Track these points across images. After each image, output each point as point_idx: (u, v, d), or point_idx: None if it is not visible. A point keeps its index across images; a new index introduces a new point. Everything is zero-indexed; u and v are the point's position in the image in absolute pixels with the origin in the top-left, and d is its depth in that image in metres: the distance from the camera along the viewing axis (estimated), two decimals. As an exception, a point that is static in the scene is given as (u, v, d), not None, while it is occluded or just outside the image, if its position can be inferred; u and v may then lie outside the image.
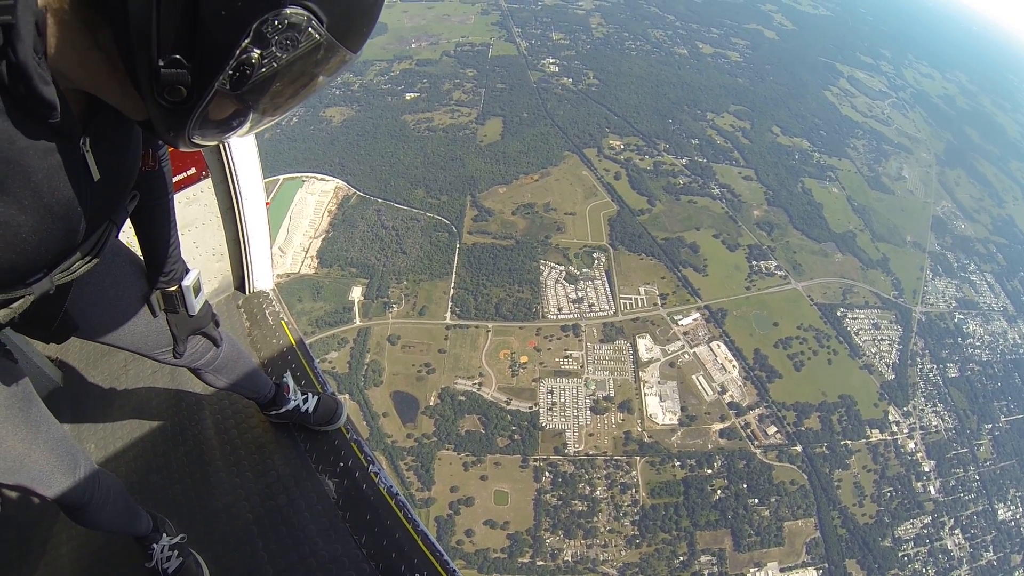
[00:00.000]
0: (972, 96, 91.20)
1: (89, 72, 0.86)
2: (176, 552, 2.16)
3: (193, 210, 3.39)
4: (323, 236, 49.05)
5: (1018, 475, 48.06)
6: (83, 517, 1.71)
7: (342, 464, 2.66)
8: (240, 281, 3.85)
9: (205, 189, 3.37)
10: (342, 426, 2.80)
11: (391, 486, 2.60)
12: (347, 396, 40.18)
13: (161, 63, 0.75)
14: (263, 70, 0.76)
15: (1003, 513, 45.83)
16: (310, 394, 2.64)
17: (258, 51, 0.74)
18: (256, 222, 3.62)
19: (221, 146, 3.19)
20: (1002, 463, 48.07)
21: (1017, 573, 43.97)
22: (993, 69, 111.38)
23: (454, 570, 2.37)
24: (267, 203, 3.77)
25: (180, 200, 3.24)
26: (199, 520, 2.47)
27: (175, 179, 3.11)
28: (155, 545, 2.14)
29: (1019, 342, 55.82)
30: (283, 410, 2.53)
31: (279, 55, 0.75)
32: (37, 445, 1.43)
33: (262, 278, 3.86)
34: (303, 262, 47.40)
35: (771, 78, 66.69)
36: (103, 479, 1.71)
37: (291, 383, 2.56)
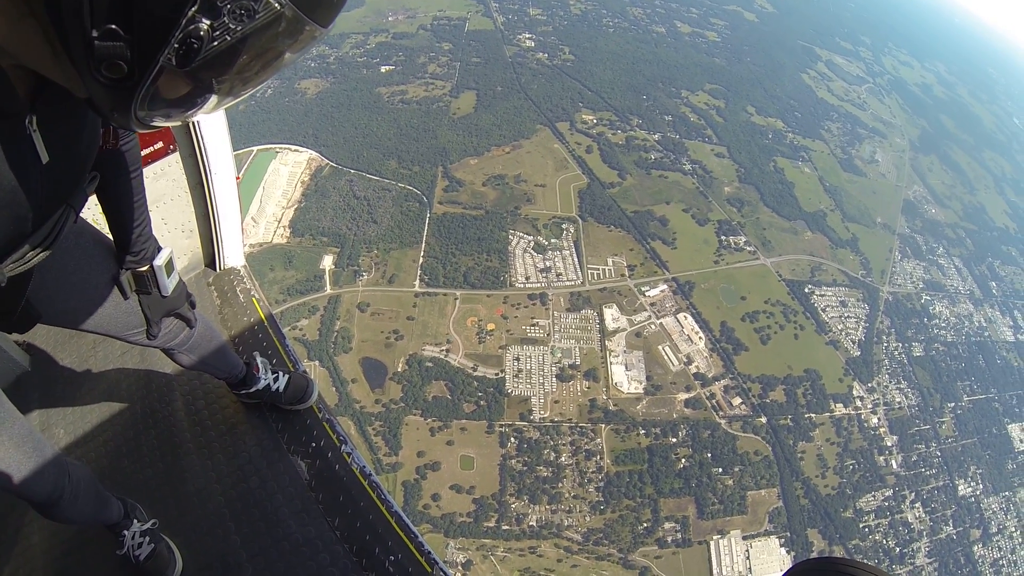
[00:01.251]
0: (949, 86, 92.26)
1: (24, 44, 0.75)
2: (148, 538, 2.09)
3: (161, 185, 3.26)
4: (296, 206, 48.86)
5: (979, 453, 49.28)
6: (54, 513, 1.62)
7: (314, 444, 2.62)
8: (210, 258, 3.73)
9: (173, 163, 3.25)
10: (313, 405, 2.74)
11: (364, 466, 2.56)
12: (317, 363, 40.18)
13: (95, 34, 0.64)
14: (215, 44, 0.66)
15: (963, 489, 46.98)
16: (280, 373, 2.61)
17: (207, 22, 0.64)
18: (226, 197, 3.50)
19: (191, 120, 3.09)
20: (963, 441, 49.21)
21: (976, 547, 45.30)
22: (972, 61, 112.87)
23: (429, 551, 2.35)
24: (237, 177, 3.64)
25: (147, 175, 3.07)
26: (171, 504, 2.42)
27: (142, 153, 3.09)
28: (126, 532, 2.06)
29: (984, 325, 57.07)
30: (253, 389, 2.49)
31: (233, 27, 0.65)
32: (1, 442, 1.34)
33: (233, 254, 3.75)
34: (275, 232, 47.21)
35: (748, 59, 66.83)
36: (73, 472, 1.62)
37: (261, 362, 2.55)
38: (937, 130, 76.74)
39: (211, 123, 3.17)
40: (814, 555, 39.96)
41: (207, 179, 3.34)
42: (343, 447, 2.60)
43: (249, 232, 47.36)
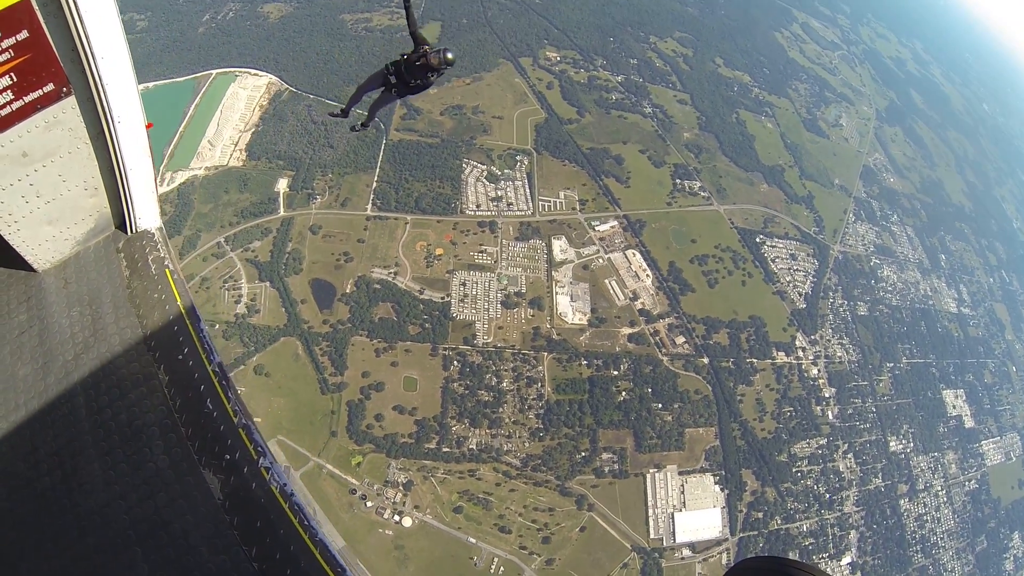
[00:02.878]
0: (924, 64, 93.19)
1: None
2: None
3: (55, 136, 2.80)
4: (253, 130, 48.00)
5: (913, 413, 51.13)
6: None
7: (228, 456, 2.37)
8: (120, 219, 3.29)
9: (68, 110, 2.81)
10: (229, 408, 2.49)
11: (285, 484, 2.34)
12: (267, 284, 40.15)
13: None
14: None
15: (894, 445, 48.91)
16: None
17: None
18: (135, 147, 3.08)
19: (84, 55, 2.58)
20: (899, 400, 51.07)
21: (903, 501, 47.58)
22: (951, 44, 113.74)
23: None
24: (148, 124, 3.24)
25: (38, 124, 2.68)
26: (70, 522, 2.15)
27: (27, 99, 2.56)
28: None
29: (929, 294, 59.01)
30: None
31: None
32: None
33: (146, 214, 3.32)
34: (232, 155, 46.44)
35: (722, 12, 66.66)
36: None
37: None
38: (905, 104, 77.78)
39: (110, 60, 2.69)
40: (752, 555, 41.01)
41: (110, 127, 2.93)
42: (261, 460, 2.38)
43: (205, 156, 46.36)
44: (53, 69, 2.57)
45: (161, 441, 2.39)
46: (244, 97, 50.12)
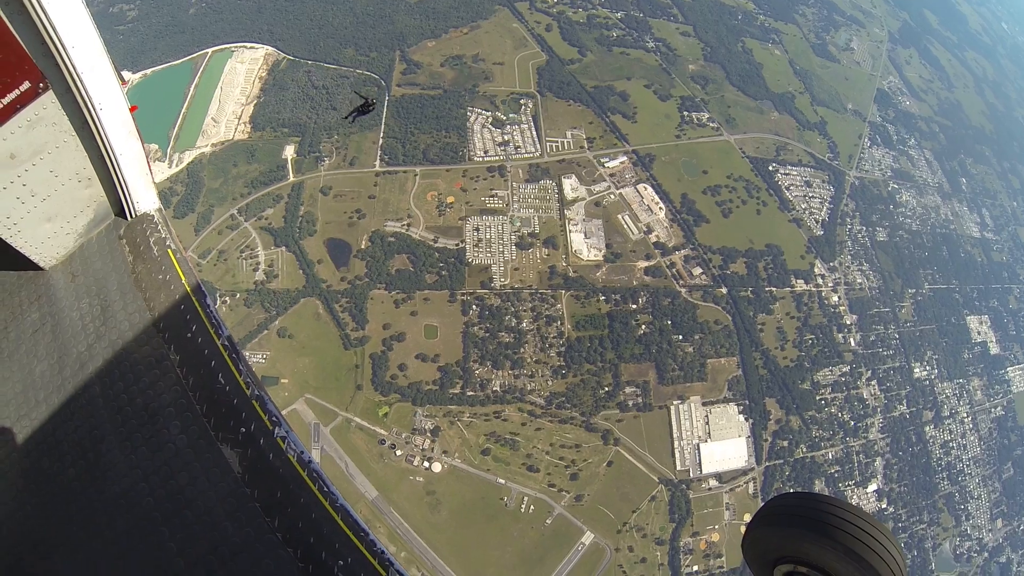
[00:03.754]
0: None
1: None
2: None
3: (40, 133, 2.75)
4: (255, 102, 48.38)
5: (936, 339, 50.30)
6: None
7: (244, 429, 2.43)
8: (119, 206, 3.31)
9: (48, 105, 2.76)
10: (241, 380, 2.49)
11: (302, 452, 2.36)
12: (283, 249, 40.95)
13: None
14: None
15: (919, 372, 48.32)
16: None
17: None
18: (121, 132, 3.05)
19: (54, 48, 2.51)
20: (922, 326, 50.28)
21: (928, 428, 47.33)
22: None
23: (383, 550, 2.18)
24: (132, 108, 3.23)
25: (20, 124, 2.61)
26: (98, 509, 2.24)
27: (5, 101, 2.50)
28: None
29: (951, 218, 57.54)
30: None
31: None
32: None
33: (143, 197, 3.32)
34: (236, 129, 46.96)
35: (721, -61, 64.24)
36: None
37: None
38: (919, 24, 74.64)
39: (82, 49, 2.59)
40: (779, 488, 40.99)
41: (93, 116, 2.90)
42: (276, 430, 2.42)
43: (210, 133, 46.97)
44: (26, 67, 2.53)
45: (178, 421, 2.47)
46: (242, 71, 50.41)
